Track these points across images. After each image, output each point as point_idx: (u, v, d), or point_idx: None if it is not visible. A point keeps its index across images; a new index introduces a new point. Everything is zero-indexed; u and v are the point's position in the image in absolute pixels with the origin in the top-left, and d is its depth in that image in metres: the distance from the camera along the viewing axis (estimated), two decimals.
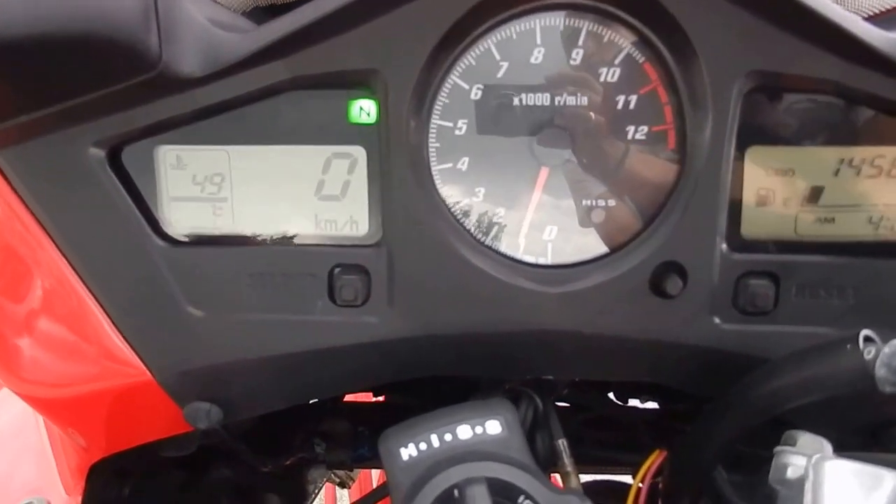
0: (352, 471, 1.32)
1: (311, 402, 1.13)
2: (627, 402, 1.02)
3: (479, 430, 0.64)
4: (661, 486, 0.81)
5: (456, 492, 0.59)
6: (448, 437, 0.63)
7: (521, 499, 0.59)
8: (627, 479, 0.86)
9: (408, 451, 0.63)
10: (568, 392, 0.92)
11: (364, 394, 1.30)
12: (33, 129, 0.63)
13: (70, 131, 0.64)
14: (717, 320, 0.66)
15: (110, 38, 0.55)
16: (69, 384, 0.73)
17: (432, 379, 0.76)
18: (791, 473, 0.58)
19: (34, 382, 0.74)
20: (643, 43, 0.63)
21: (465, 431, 0.64)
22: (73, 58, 0.57)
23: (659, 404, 1.01)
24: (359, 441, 1.09)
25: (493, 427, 0.64)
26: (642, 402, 1.02)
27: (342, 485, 1.44)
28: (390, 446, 0.63)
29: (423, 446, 0.63)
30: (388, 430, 0.65)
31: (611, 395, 1.02)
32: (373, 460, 1.11)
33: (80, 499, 0.81)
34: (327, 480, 1.34)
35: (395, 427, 0.65)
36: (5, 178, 0.66)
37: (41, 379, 0.73)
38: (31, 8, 0.49)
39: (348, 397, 1.20)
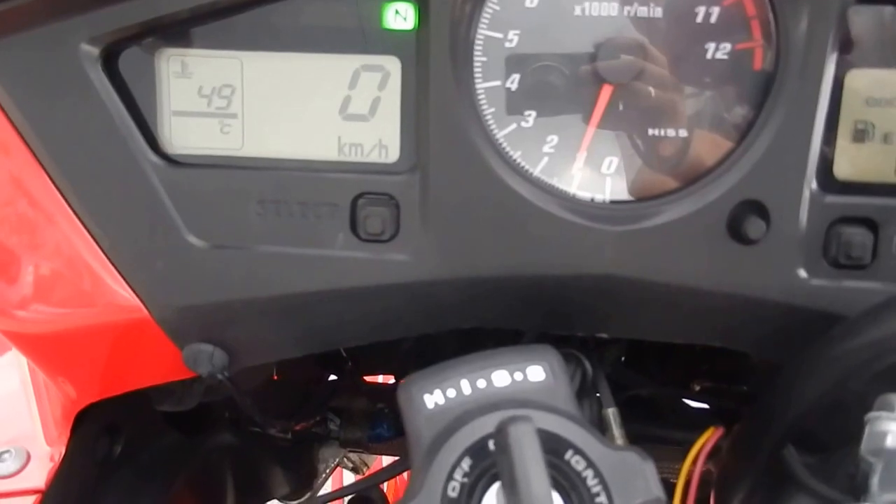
0: (366, 450, 1.23)
1: (329, 378, 1.06)
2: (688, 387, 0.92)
3: (518, 376, 0.53)
4: (715, 468, 0.72)
5: (491, 443, 0.49)
6: (482, 383, 0.53)
7: (568, 453, 0.49)
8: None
9: (433, 399, 0.52)
10: (617, 370, 0.82)
11: (386, 375, 1.22)
12: (17, 19, 0.55)
13: (60, 24, 0.56)
14: (803, 272, 0.56)
15: None
16: (57, 320, 0.64)
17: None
18: (891, 442, 0.49)
19: (19, 318, 0.65)
20: None
21: (502, 378, 0.53)
22: None
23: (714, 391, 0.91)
24: (377, 419, 1.01)
25: (536, 373, 0.53)
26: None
27: (355, 470, 1.35)
28: (412, 392, 0.53)
29: (451, 393, 0.52)
30: (412, 375, 0.55)
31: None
32: (391, 441, 1.02)
33: (62, 450, 0.72)
34: (339, 465, 1.25)
35: (419, 372, 0.55)
36: None
37: (27, 314, 0.64)
38: None
39: (369, 379, 1.12)
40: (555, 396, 0.52)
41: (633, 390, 0.81)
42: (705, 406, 0.89)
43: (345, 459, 1.26)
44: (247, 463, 1.00)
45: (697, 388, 0.88)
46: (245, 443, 0.96)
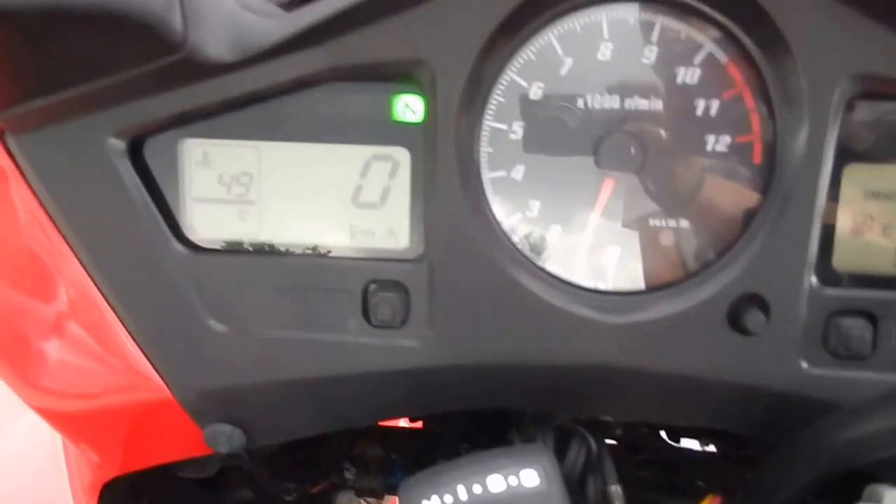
0: (382, 499, 1.24)
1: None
2: (680, 442, 0.93)
3: (513, 480, 0.55)
4: None
5: None
6: (477, 488, 0.55)
7: None
8: None
9: None
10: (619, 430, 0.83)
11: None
12: (50, 114, 0.58)
13: (89, 119, 0.58)
14: (803, 363, 0.57)
15: (128, 13, 0.49)
16: (83, 398, 0.67)
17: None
18: None
19: (48, 394, 0.68)
20: (727, 40, 0.55)
21: (497, 483, 0.55)
22: (91, 35, 0.52)
23: (717, 447, 0.92)
24: (392, 469, 1.02)
25: (530, 478, 0.55)
26: (701, 444, 0.93)
27: None
28: (411, 498, 0.55)
29: (448, 499, 0.55)
30: (410, 478, 0.57)
31: (662, 433, 0.93)
32: None
33: None
34: None
35: (418, 476, 0.56)
36: (19, 170, 0.61)
37: (55, 391, 0.67)
38: None
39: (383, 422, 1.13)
40: (549, 501, 0.54)
41: (637, 453, 0.82)
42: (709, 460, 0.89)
43: (361, 502, 1.27)
44: None
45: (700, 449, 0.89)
46: (264, 497, 0.98)
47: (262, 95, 0.58)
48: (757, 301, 0.56)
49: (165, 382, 0.64)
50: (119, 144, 0.59)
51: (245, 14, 0.55)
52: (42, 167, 0.60)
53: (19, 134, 0.60)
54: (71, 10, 0.49)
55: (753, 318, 0.55)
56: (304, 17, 0.54)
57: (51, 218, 0.62)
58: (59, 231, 0.62)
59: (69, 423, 0.72)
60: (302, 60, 0.56)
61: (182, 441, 0.69)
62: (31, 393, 0.69)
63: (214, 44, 0.54)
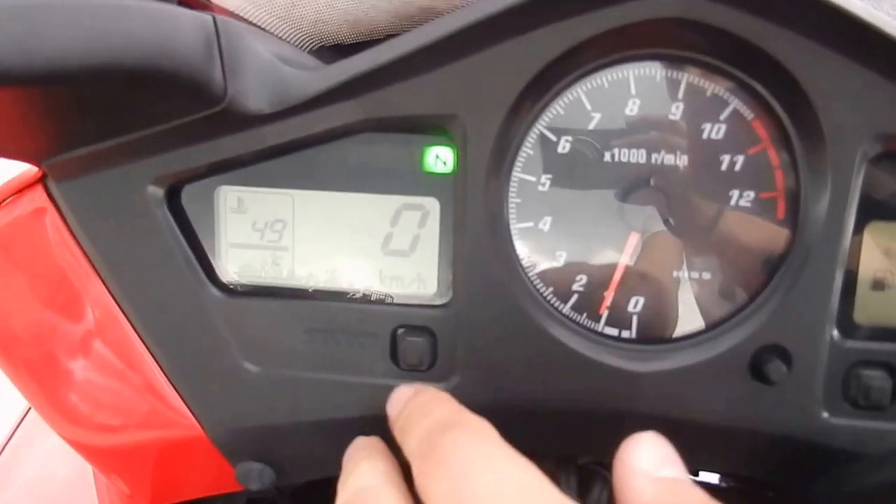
0: None
1: None
2: (699, 475, 0.94)
3: None
4: None
5: None
6: None
7: None
8: None
9: None
10: None
11: None
12: (92, 162, 0.60)
13: (129, 167, 0.60)
14: (824, 412, 0.58)
15: (171, 71, 0.51)
16: (116, 432, 0.68)
17: None
18: None
19: (81, 426, 0.69)
20: (752, 97, 0.57)
21: None
22: (134, 90, 0.53)
23: (737, 483, 0.93)
24: None
25: None
26: (721, 480, 0.94)
27: None
28: None
29: None
30: None
31: None
32: None
33: None
34: None
35: None
36: (59, 213, 0.63)
37: (88, 423, 0.69)
38: (90, 37, 0.45)
39: None
40: None
41: None
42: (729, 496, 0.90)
43: None
44: None
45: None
46: None
47: (299, 145, 0.60)
48: (779, 352, 0.57)
49: (198, 421, 0.65)
50: (157, 192, 0.61)
51: (283, 67, 0.56)
52: (82, 212, 0.62)
53: (61, 179, 0.62)
54: (118, 68, 0.50)
55: (775, 369, 0.57)
56: (343, 71, 0.55)
57: (89, 260, 0.64)
58: (97, 273, 0.64)
59: (101, 456, 0.74)
60: (337, 112, 0.57)
61: (213, 477, 0.70)
62: (65, 425, 0.70)
63: (253, 96, 0.55)
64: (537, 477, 0.41)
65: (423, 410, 0.50)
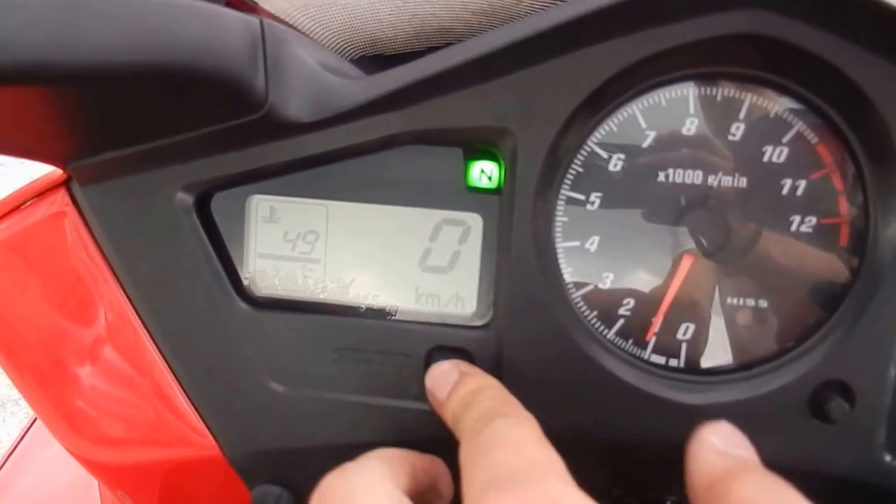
0: None
1: None
2: None
3: None
4: None
5: None
6: None
7: None
8: None
9: None
10: None
11: None
12: (119, 167, 0.57)
13: (159, 172, 0.57)
14: (886, 455, 0.55)
15: (214, 74, 0.48)
16: (127, 447, 0.65)
17: None
18: None
19: (89, 440, 0.66)
20: (818, 121, 0.54)
21: None
22: (172, 93, 0.50)
23: None
24: None
25: None
26: None
27: None
28: None
29: None
30: None
31: None
32: None
33: None
34: None
35: None
36: (83, 220, 0.60)
37: (97, 437, 0.65)
38: (129, 35, 0.42)
39: None
40: None
41: None
42: None
43: None
44: None
45: None
46: None
47: (338, 155, 0.57)
48: (841, 388, 0.54)
49: (217, 440, 0.62)
50: (187, 199, 0.58)
51: (326, 75, 0.54)
52: (106, 217, 0.59)
53: (86, 183, 0.59)
54: (161, 68, 0.48)
55: (837, 407, 0.53)
56: (389, 81, 0.53)
57: (110, 267, 0.61)
58: (118, 280, 0.61)
59: (109, 471, 0.70)
60: (381, 123, 0.55)
61: (228, 499, 0.67)
62: (74, 440, 0.67)
63: (295, 104, 0.53)
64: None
65: (476, 400, 0.49)
